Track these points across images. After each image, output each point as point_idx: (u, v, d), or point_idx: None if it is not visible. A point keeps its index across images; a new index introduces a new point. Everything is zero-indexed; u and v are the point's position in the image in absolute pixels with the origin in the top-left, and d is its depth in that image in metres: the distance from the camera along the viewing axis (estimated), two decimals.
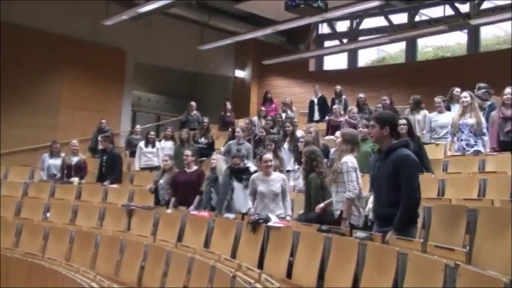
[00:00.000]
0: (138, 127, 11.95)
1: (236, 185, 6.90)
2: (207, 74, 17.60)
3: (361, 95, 11.12)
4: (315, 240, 4.88)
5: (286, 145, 8.74)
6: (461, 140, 7.16)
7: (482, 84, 7.96)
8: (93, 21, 13.85)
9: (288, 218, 6.10)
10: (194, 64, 16.56)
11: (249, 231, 5.71)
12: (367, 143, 6.57)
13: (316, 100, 12.91)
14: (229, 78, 17.80)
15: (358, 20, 15.34)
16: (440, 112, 8.28)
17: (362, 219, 5.20)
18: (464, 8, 12.38)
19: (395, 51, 16.83)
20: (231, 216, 6.45)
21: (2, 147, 12.07)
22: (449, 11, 13.09)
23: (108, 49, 14.55)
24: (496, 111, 7.10)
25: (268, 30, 14.05)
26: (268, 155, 6.38)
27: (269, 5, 12.80)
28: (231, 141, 9.42)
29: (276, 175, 6.32)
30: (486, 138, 7.05)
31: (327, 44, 16.90)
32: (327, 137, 9.54)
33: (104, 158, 9.64)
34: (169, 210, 7.51)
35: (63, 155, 10.31)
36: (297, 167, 7.43)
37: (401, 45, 15.96)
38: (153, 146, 10.34)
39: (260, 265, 5.35)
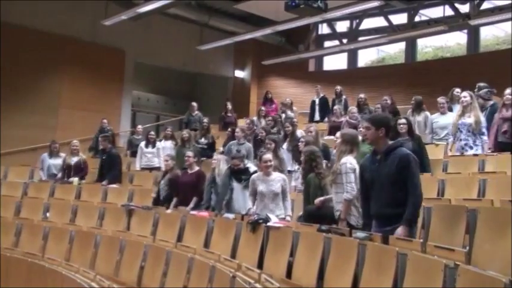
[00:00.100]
0: (139, 127, 11.96)
1: (235, 185, 6.90)
2: (207, 74, 17.60)
3: (362, 96, 11.14)
4: (314, 240, 4.88)
5: (285, 145, 8.74)
6: (460, 140, 7.18)
7: (482, 84, 7.94)
8: (92, 21, 13.86)
9: (288, 218, 6.10)
10: (194, 64, 16.57)
11: (248, 231, 5.71)
12: (367, 144, 6.56)
13: (317, 100, 12.92)
14: (229, 79, 17.80)
15: (357, 20, 15.36)
16: (443, 113, 8.27)
17: (361, 220, 5.20)
18: (464, 8, 12.39)
19: (395, 51, 16.83)
20: (231, 216, 6.45)
21: (2, 147, 12.08)
22: (449, 12, 13.11)
23: (108, 49, 14.56)
24: (498, 112, 7.10)
25: (268, 31, 14.06)
26: (268, 155, 6.38)
27: (269, 5, 12.81)
28: (231, 142, 9.43)
29: (276, 175, 6.32)
30: (485, 138, 7.03)
31: (327, 44, 16.90)
32: (327, 137, 9.53)
33: (103, 157, 9.70)
34: (169, 211, 7.52)
35: (62, 154, 10.33)
36: (296, 167, 7.44)
37: (401, 46, 15.97)
38: (154, 146, 10.35)
39: (260, 265, 5.35)
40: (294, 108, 12.93)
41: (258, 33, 14.67)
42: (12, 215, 8.64)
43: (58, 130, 13.31)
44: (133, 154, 10.99)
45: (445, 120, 8.10)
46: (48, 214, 8.57)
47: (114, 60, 14.79)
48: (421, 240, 4.14)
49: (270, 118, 11.07)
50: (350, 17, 15.45)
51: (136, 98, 17.06)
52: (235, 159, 6.99)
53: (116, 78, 15.00)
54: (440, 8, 13.91)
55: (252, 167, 7.15)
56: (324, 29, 17.18)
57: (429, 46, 16.15)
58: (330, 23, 16.32)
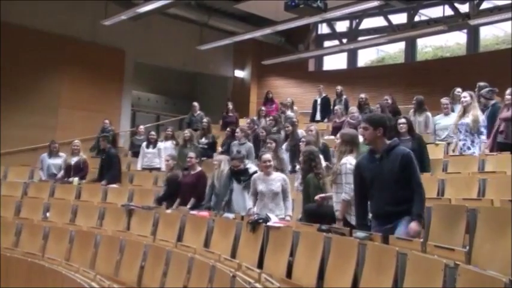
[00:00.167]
0: (141, 127, 11.93)
1: (235, 186, 6.92)
2: (207, 74, 17.60)
3: (363, 95, 11.13)
4: (314, 240, 4.88)
5: (285, 145, 8.74)
6: (460, 140, 7.18)
7: (482, 84, 7.94)
8: (92, 21, 13.86)
9: (288, 218, 6.11)
10: (193, 64, 16.57)
11: (248, 231, 5.71)
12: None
13: (319, 100, 12.93)
14: (229, 78, 17.81)
15: (357, 20, 15.36)
16: (446, 114, 8.24)
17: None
18: (464, 8, 12.39)
19: (394, 51, 16.84)
20: (231, 216, 6.45)
21: (2, 147, 12.08)
22: (448, 11, 13.11)
23: (108, 49, 14.56)
24: (499, 112, 7.10)
25: (268, 30, 14.06)
26: (267, 155, 6.40)
27: (268, 5, 12.81)
28: (233, 142, 9.46)
29: (276, 175, 6.33)
30: (483, 137, 7.02)
31: (327, 44, 16.91)
32: (331, 137, 9.51)
33: (103, 157, 9.75)
34: (169, 210, 7.52)
35: (62, 154, 10.34)
36: (297, 167, 7.43)
37: (401, 45, 15.98)
38: (154, 147, 10.36)
39: (260, 265, 5.35)
40: (295, 108, 12.93)
41: (258, 33, 14.67)
42: (12, 215, 8.64)
43: (58, 130, 13.31)
44: (135, 154, 11.01)
45: (447, 121, 8.09)
46: (48, 214, 8.57)
47: (114, 60, 14.79)
48: (421, 240, 4.15)
49: (271, 118, 11.08)
50: (350, 16, 15.44)
51: (136, 98, 17.06)
52: (234, 160, 7.00)
53: (115, 78, 15.00)
54: (440, 7, 13.90)
55: (252, 167, 7.14)
56: (324, 29, 17.18)
57: (429, 46, 16.17)
58: (330, 22, 16.32)
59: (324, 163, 6.28)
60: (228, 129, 10.54)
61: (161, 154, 10.03)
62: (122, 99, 15.30)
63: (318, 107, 12.85)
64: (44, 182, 9.92)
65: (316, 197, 5.70)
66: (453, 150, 7.40)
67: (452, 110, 8.39)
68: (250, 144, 9.21)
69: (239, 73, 17.73)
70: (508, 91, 6.93)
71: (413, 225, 4.20)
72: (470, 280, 3.10)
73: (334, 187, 5.41)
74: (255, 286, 4.59)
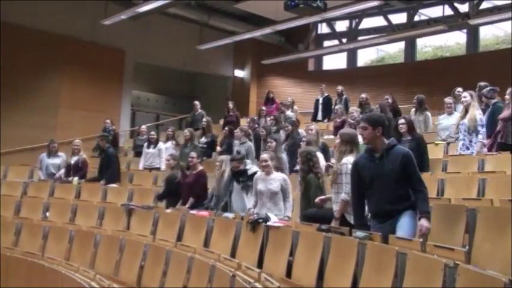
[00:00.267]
0: (143, 127, 11.91)
1: (235, 186, 6.93)
2: (206, 73, 17.61)
3: (363, 95, 11.11)
4: (314, 239, 4.88)
5: (284, 145, 8.74)
6: (459, 140, 7.18)
7: (482, 84, 7.93)
8: (92, 21, 13.87)
9: (286, 219, 6.09)
10: (193, 64, 16.57)
11: (248, 230, 5.71)
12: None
13: (321, 99, 12.93)
14: (229, 78, 17.81)
15: (357, 20, 15.36)
16: (449, 114, 8.22)
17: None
18: (464, 8, 12.39)
19: (394, 51, 16.85)
20: (231, 215, 6.45)
21: (2, 147, 12.09)
22: (448, 11, 13.11)
23: (108, 49, 14.57)
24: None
25: (267, 30, 14.07)
26: (264, 155, 6.40)
27: (268, 5, 12.81)
28: (235, 142, 9.46)
29: (276, 175, 6.33)
30: (480, 137, 6.99)
31: (326, 43, 16.92)
32: (331, 137, 9.51)
33: (102, 157, 9.80)
34: (168, 210, 7.52)
35: (61, 154, 10.36)
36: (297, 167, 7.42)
37: (401, 45, 15.99)
38: (155, 147, 10.36)
39: (260, 264, 5.35)
40: (295, 107, 12.92)
41: (258, 33, 14.68)
42: (12, 215, 8.63)
43: (58, 130, 13.32)
44: (137, 154, 11.04)
45: (448, 121, 8.08)
46: (48, 213, 8.57)
47: (114, 60, 14.80)
48: (421, 240, 4.14)
49: (271, 117, 11.08)
50: (349, 16, 15.46)
51: (136, 98, 17.06)
52: (234, 161, 7.00)
53: (115, 78, 15.01)
54: (440, 7, 13.91)
55: (252, 168, 7.11)
56: (324, 29, 17.19)
57: (428, 46, 16.17)
58: (330, 22, 16.32)
59: (324, 163, 6.28)
60: (225, 128, 10.54)
61: (161, 154, 10.04)
62: (121, 99, 15.31)
63: (320, 107, 12.85)
64: (44, 182, 9.93)
65: (316, 200, 5.69)
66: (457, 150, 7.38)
67: (455, 110, 8.39)
68: (250, 143, 9.22)
69: (239, 73, 17.73)
70: (508, 91, 6.93)
71: (425, 222, 4.20)
72: (470, 280, 3.10)
73: (335, 187, 5.41)
74: (254, 286, 4.59)
